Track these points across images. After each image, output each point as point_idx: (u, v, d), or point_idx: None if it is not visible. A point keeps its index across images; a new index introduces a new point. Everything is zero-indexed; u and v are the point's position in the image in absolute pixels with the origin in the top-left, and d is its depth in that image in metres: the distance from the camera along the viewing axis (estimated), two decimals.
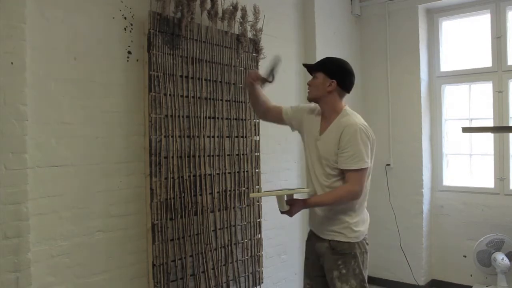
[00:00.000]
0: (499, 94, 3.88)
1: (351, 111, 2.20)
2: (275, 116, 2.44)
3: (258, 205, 3.14)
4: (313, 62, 3.68)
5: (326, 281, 2.22)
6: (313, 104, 2.32)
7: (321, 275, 2.25)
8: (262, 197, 3.18)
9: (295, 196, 2.19)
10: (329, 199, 2.14)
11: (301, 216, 3.75)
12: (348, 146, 2.06)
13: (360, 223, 2.18)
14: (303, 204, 2.14)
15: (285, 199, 2.11)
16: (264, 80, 2.39)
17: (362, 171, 2.07)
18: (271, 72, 2.38)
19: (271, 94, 3.42)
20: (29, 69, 2.01)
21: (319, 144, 2.19)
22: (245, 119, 3.05)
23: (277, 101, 3.50)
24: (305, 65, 2.34)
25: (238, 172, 2.98)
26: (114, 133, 2.40)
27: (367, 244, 2.21)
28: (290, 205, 2.12)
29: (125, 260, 2.43)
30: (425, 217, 4.15)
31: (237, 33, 3.03)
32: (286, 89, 3.64)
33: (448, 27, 4.25)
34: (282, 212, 2.13)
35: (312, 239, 2.30)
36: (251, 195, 2.26)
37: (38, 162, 2.08)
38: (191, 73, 2.68)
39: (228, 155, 2.91)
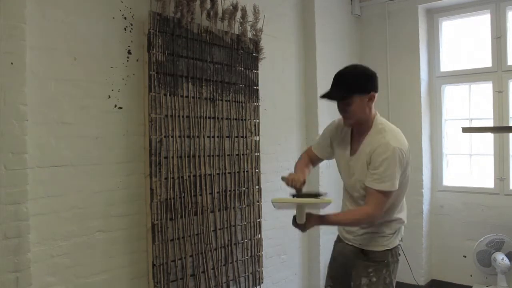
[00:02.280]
0: (499, 94, 3.88)
1: (384, 122, 2.00)
2: (317, 161, 2.30)
3: (258, 205, 3.14)
4: (313, 62, 3.77)
5: (350, 284, 2.12)
6: (336, 121, 2.17)
7: (347, 279, 2.15)
8: (261, 198, 3.18)
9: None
10: (345, 220, 2.04)
11: None
12: (377, 165, 1.90)
13: (397, 232, 2.09)
14: (320, 220, 1.98)
15: (306, 210, 1.93)
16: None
17: (385, 193, 1.90)
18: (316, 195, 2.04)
19: (271, 94, 3.43)
20: (29, 69, 2.01)
21: (352, 165, 2.03)
22: (245, 119, 3.05)
23: (277, 101, 3.53)
24: (325, 97, 2.00)
25: (238, 172, 2.98)
26: (114, 133, 2.40)
27: (399, 254, 2.12)
28: (306, 219, 1.94)
29: (125, 260, 2.43)
30: (425, 217, 4.15)
31: (237, 33, 3.03)
32: (286, 89, 3.64)
33: (448, 27, 4.25)
34: (296, 225, 1.96)
35: (342, 242, 2.20)
36: (273, 200, 1.94)
37: (38, 162, 2.08)
38: (191, 73, 2.68)
39: (228, 155, 2.91)
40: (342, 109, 1.99)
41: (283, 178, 2.05)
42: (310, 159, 2.27)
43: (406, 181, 2.04)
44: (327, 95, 1.99)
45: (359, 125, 2.01)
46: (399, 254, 2.12)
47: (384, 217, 2.00)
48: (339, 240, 2.26)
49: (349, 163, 2.04)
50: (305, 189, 2.04)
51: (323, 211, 2.04)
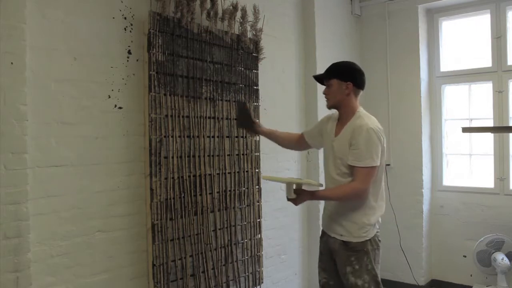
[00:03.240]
0: (499, 94, 3.88)
1: (365, 112, 2.29)
2: (304, 145, 2.62)
3: (258, 205, 3.14)
4: (313, 62, 3.78)
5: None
6: (329, 113, 2.45)
7: (336, 269, 2.34)
8: (261, 198, 3.18)
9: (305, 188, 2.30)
10: (334, 194, 2.27)
11: (301, 216, 3.76)
12: (358, 144, 2.15)
13: (375, 221, 2.26)
14: (310, 195, 2.24)
15: (294, 187, 2.20)
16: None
17: (368, 169, 2.15)
18: (245, 114, 2.60)
19: (271, 94, 3.43)
20: (29, 69, 2.01)
21: (334, 145, 2.29)
22: None
23: (278, 101, 3.53)
24: (315, 77, 2.43)
25: (238, 172, 2.98)
26: (114, 133, 2.40)
27: (379, 240, 2.29)
28: (298, 194, 2.20)
29: (125, 260, 2.43)
30: (425, 217, 4.15)
31: (237, 33, 3.03)
32: (286, 89, 3.64)
33: (448, 27, 4.25)
34: (288, 199, 2.22)
35: (325, 236, 2.39)
36: (263, 176, 2.39)
37: (38, 162, 2.08)
38: (191, 73, 2.68)
39: (228, 155, 2.91)
40: (324, 90, 2.34)
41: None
42: (298, 138, 2.63)
43: (381, 168, 2.25)
44: (316, 76, 2.41)
45: (341, 112, 2.32)
46: (379, 241, 2.29)
47: (366, 202, 2.21)
48: (322, 234, 2.45)
49: (332, 143, 2.31)
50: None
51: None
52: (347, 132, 2.23)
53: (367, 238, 2.22)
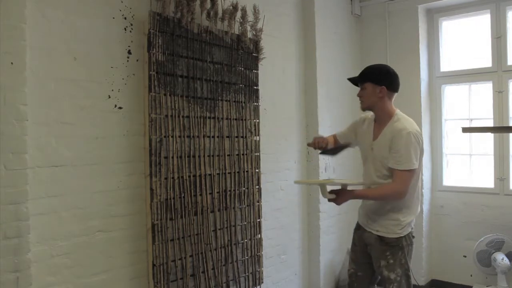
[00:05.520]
0: (499, 94, 3.88)
1: (403, 115, 2.36)
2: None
3: (258, 205, 3.14)
4: (313, 62, 3.78)
5: (372, 267, 2.44)
6: (364, 114, 2.54)
7: (367, 262, 2.45)
8: (261, 198, 3.19)
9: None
10: (374, 194, 2.36)
11: (301, 216, 3.76)
12: (398, 148, 2.24)
13: (410, 220, 2.35)
14: (351, 195, 2.31)
15: (328, 190, 2.29)
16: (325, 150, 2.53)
17: (408, 172, 2.24)
18: (336, 151, 2.58)
19: (271, 94, 3.44)
20: (29, 69, 2.01)
21: (374, 148, 2.38)
22: (245, 119, 3.05)
23: (277, 101, 3.53)
24: (349, 80, 2.50)
25: (238, 172, 2.98)
26: (114, 133, 2.40)
27: (413, 236, 2.38)
28: (337, 195, 2.30)
29: (125, 260, 2.43)
30: (425, 217, 4.15)
31: (237, 33, 3.03)
32: (286, 89, 3.64)
33: (448, 27, 4.25)
34: (329, 200, 2.31)
35: (361, 229, 2.49)
36: (296, 181, 2.56)
37: (38, 162, 2.08)
38: (191, 73, 2.68)
39: (228, 155, 2.91)
40: (359, 93, 2.42)
41: (309, 144, 2.54)
42: (334, 140, 2.68)
43: (419, 169, 2.33)
44: (351, 78, 2.47)
45: (377, 115, 2.40)
46: (413, 237, 2.38)
47: (403, 202, 2.30)
48: (358, 227, 2.54)
49: (371, 146, 2.39)
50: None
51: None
52: (386, 136, 2.31)
53: (402, 235, 2.31)
